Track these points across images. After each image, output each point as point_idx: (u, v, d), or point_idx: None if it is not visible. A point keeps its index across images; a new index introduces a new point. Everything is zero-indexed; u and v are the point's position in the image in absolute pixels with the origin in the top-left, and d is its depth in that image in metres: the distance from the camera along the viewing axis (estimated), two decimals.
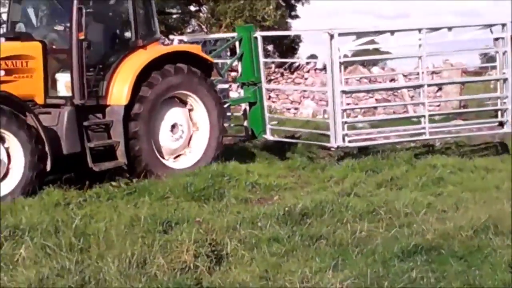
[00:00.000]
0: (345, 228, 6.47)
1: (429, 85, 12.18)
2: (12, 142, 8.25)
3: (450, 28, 11.20)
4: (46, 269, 5.31)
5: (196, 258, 5.45)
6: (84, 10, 8.74)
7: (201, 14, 24.52)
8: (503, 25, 11.16)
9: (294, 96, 21.07)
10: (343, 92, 10.97)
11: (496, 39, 11.31)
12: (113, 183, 8.68)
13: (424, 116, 11.42)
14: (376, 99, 19.91)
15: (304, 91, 20.98)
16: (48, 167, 8.50)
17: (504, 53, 11.22)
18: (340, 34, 10.85)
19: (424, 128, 11.37)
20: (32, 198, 7.98)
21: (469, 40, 11.80)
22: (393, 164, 10.09)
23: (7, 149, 8.27)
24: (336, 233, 6.33)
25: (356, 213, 7.07)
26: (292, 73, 22.28)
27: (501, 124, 11.51)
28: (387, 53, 14.61)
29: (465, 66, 17.49)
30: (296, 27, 27.00)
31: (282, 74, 21.76)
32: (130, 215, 6.89)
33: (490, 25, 11.33)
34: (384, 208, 7.22)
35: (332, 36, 10.73)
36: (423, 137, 11.51)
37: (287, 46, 25.92)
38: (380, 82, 19.58)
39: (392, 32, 11.09)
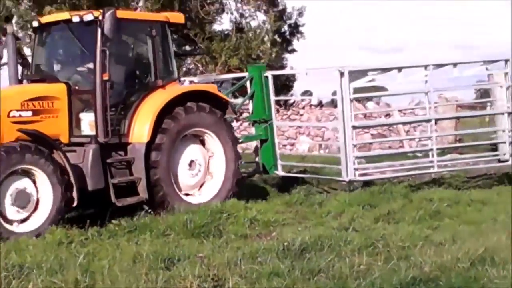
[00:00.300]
0: (344, 262, 6.54)
1: (436, 120, 12.45)
2: (41, 179, 8.46)
3: (455, 65, 11.60)
4: None
5: None
6: (107, 52, 8.99)
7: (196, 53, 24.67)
8: (506, 61, 11.64)
9: (289, 132, 21.20)
10: (354, 127, 11.29)
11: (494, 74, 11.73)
12: (114, 221, 8.77)
13: (432, 149, 11.82)
14: (371, 134, 20.06)
15: (300, 127, 21.12)
16: (75, 203, 8.71)
17: (508, 88, 11.60)
18: (350, 72, 11.15)
19: (432, 161, 11.67)
20: (35, 237, 8.08)
21: (468, 76, 12.20)
22: (389, 198, 10.23)
23: (37, 188, 8.47)
24: (335, 267, 6.39)
25: (355, 247, 7.14)
26: (287, 109, 22.45)
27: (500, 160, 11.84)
28: (383, 88, 14.87)
29: (460, 101, 17.69)
30: (292, 62, 27.20)
31: (277, 111, 21.85)
32: (132, 252, 6.96)
33: (494, 61, 11.75)
34: (382, 242, 7.32)
35: (342, 74, 11.06)
36: (431, 170, 11.87)
37: (282, 84, 26.02)
38: (375, 118, 19.73)
39: (400, 69, 11.43)
